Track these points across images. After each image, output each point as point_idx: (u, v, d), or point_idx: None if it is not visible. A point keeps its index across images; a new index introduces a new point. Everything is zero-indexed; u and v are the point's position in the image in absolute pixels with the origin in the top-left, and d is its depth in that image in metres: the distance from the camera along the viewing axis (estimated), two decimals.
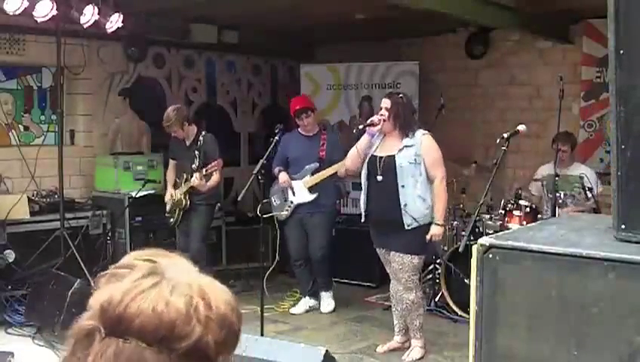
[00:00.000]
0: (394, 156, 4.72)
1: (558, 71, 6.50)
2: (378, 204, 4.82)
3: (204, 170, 5.74)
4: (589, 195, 5.42)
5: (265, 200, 6.15)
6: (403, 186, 4.68)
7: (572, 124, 6.74)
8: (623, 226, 1.88)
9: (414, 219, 4.69)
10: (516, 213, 5.64)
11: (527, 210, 5.62)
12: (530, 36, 7.02)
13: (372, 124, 4.78)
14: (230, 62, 8.31)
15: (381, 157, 4.77)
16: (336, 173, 5.82)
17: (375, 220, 4.93)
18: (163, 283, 0.90)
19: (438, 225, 4.73)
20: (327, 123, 6.54)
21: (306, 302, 6.24)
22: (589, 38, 6.90)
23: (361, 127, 4.87)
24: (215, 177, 5.84)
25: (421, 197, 4.69)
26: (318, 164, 5.96)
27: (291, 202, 6.06)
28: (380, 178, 4.76)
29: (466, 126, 7.68)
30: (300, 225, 6.09)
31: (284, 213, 6.09)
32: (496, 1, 5.68)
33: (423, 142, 4.72)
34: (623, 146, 1.86)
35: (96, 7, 5.42)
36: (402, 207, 4.67)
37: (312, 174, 5.98)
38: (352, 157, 4.96)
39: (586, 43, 6.94)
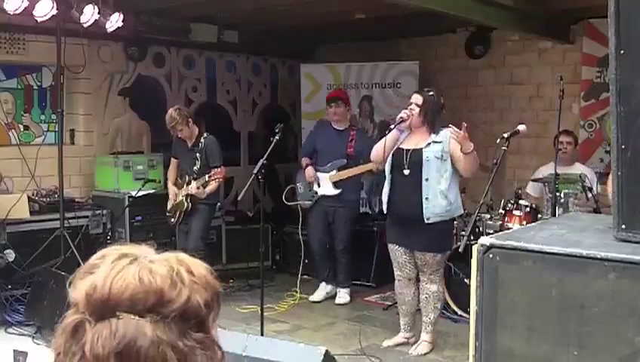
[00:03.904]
0: (421, 149, 4.74)
1: (558, 71, 6.49)
2: (401, 197, 4.83)
3: (207, 176, 5.78)
4: (589, 195, 5.41)
5: (290, 186, 6.49)
6: (427, 179, 4.71)
7: (572, 124, 6.73)
8: (623, 226, 1.88)
9: (434, 214, 4.71)
10: (516, 213, 5.63)
11: (527, 210, 5.61)
12: (530, 36, 7.02)
13: (402, 121, 4.77)
14: (230, 62, 8.31)
15: (408, 150, 4.79)
16: (361, 172, 6.03)
17: (396, 215, 4.92)
18: (140, 258, 0.93)
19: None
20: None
21: (324, 288, 6.43)
22: (589, 38, 6.90)
23: (392, 126, 4.82)
24: (214, 184, 5.87)
25: (443, 193, 4.72)
26: (345, 161, 6.10)
27: (315, 192, 6.26)
28: (407, 172, 4.77)
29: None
30: (323, 216, 6.28)
31: (308, 203, 6.31)
32: (496, 1, 5.67)
33: (451, 139, 4.74)
34: (623, 146, 1.86)
35: (96, 7, 5.42)
36: (423, 199, 4.70)
37: (339, 170, 6.11)
38: (378, 151, 4.90)
39: (586, 43, 6.94)
